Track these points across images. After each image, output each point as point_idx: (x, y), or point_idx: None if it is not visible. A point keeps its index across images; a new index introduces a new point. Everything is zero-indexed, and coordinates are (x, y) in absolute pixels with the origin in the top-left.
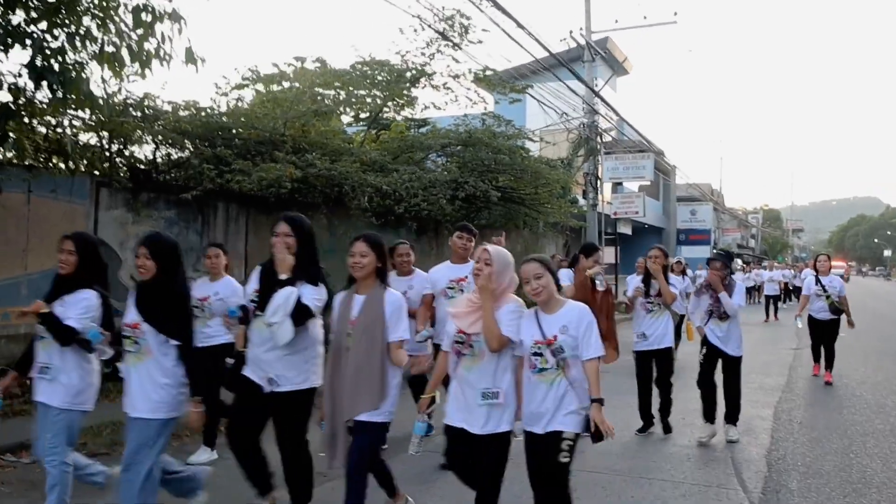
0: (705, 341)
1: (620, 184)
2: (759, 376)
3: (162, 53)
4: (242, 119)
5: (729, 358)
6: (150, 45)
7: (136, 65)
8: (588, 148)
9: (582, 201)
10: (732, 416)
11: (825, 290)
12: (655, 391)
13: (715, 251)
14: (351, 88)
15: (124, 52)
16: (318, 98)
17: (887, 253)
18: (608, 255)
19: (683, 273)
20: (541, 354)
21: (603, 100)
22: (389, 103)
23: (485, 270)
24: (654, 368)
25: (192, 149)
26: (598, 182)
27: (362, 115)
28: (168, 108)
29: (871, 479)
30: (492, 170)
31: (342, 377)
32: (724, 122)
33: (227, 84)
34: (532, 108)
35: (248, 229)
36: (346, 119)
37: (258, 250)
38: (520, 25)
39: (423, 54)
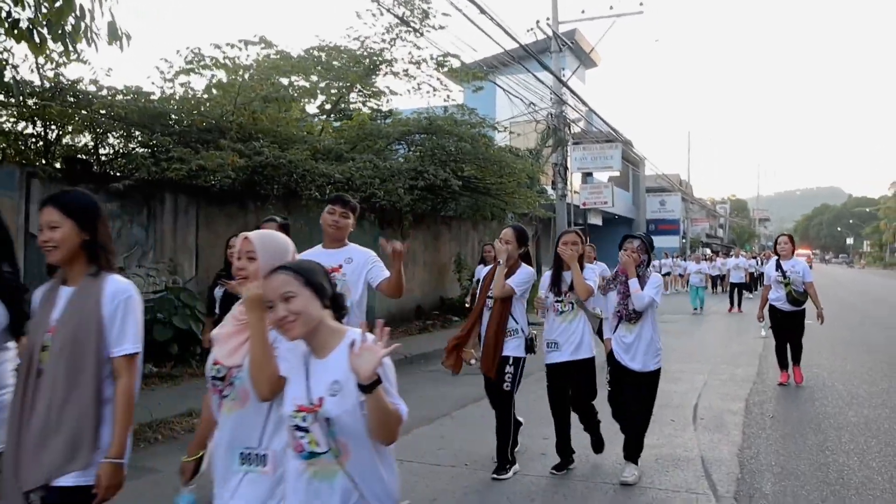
0: (611, 355)
1: (590, 174)
2: (729, 367)
3: (83, 29)
4: (186, 106)
5: (633, 374)
6: (69, 22)
7: (60, 45)
8: (556, 138)
9: (551, 192)
10: (631, 452)
11: (785, 277)
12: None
13: (639, 234)
14: (301, 76)
15: (44, 31)
16: (272, 84)
17: (849, 241)
18: None
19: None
20: (306, 430)
21: (570, 90)
22: (354, 94)
23: (248, 268)
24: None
25: (128, 137)
26: (567, 172)
27: (327, 106)
28: (105, 93)
29: (848, 480)
30: (455, 159)
31: (28, 417)
32: (692, 113)
33: (169, 69)
34: (501, 99)
35: (199, 222)
36: (311, 109)
37: (209, 243)
38: (483, 11)
39: (382, 40)
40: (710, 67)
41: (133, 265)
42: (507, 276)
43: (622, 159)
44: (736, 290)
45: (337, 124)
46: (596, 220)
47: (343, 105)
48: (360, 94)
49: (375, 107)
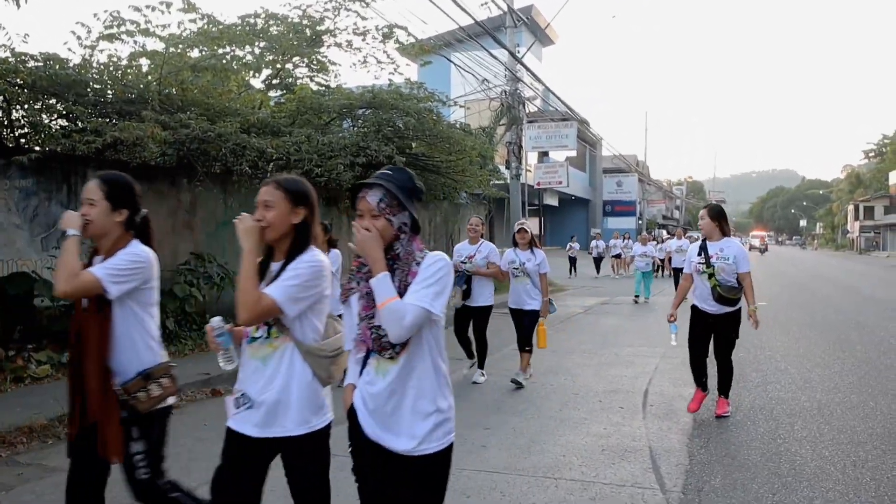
0: None
1: (546, 154)
2: (682, 350)
3: None
4: (106, 74)
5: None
6: None
7: None
8: (510, 116)
9: (505, 171)
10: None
11: (709, 266)
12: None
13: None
14: (238, 46)
15: None
16: (204, 53)
17: (803, 223)
18: (532, 226)
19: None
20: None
21: (525, 66)
22: (302, 68)
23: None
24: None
25: (39, 107)
26: (522, 151)
27: (275, 82)
28: (12, 59)
29: (801, 470)
30: (402, 135)
31: None
32: (649, 94)
33: (87, 34)
34: (456, 77)
35: None
36: (257, 84)
37: None
38: None
39: (325, 9)
40: (668, 49)
41: (50, 246)
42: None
43: (579, 140)
44: (678, 273)
45: (277, 97)
46: (552, 201)
47: (290, 80)
48: (308, 67)
49: (323, 82)
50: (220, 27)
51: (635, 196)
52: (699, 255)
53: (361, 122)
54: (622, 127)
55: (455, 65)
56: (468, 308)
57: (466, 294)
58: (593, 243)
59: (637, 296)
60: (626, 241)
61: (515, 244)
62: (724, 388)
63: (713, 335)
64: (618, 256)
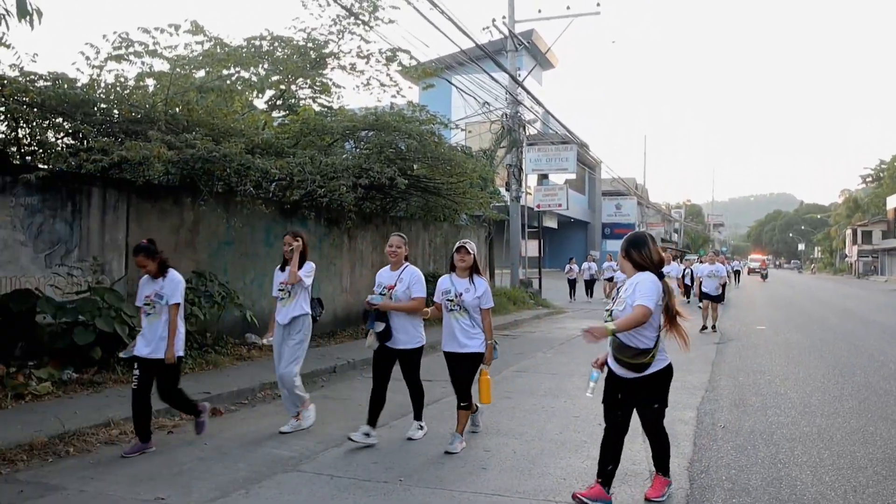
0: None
1: (546, 177)
2: (681, 374)
3: None
4: (112, 94)
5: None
6: None
7: None
8: (511, 139)
9: (505, 194)
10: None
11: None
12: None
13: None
14: (242, 68)
15: None
16: (209, 73)
17: (801, 247)
18: (531, 248)
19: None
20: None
21: (526, 90)
22: (306, 90)
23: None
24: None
25: (46, 126)
26: (521, 174)
27: (279, 103)
28: (21, 78)
29: (802, 495)
30: (404, 157)
31: None
32: (648, 118)
33: (96, 55)
34: (457, 100)
35: (130, 218)
36: (260, 105)
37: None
38: (434, 4)
39: (329, 32)
40: (667, 74)
41: (54, 263)
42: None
43: (578, 163)
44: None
45: (281, 118)
46: (551, 223)
47: (293, 101)
48: (311, 89)
49: (326, 103)
50: (227, 49)
51: (634, 219)
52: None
53: (364, 144)
54: (621, 150)
55: (456, 87)
56: (389, 351)
57: (385, 335)
58: (585, 265)
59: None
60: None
61: (452, 268)
62: (659, 462)
63: (628, 402)
64: (610, 279)
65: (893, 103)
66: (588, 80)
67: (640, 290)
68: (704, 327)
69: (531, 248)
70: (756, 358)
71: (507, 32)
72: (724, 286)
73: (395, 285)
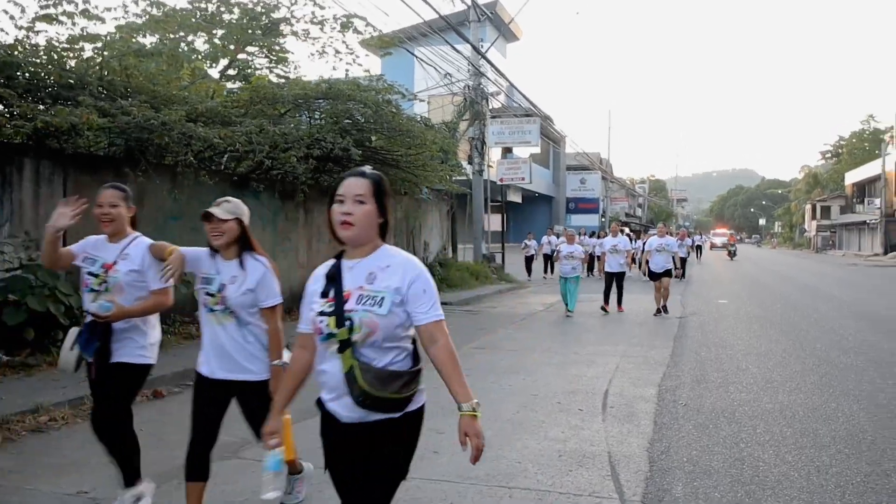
0: None
1: (510, 151)
2: (643, 349)
3: None
4: (38, 56)
5: None
6: None
7: None
8: (473, 111)
9: (467, 167)
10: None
11: (339, 321)
12: None
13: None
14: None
15: None
16: (160, 40)
17: (762, 222)
18: (494, 222)
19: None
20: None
21: (488, 60)
22: (261, 58)
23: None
24: None
25: None
26: (484, 147)
27: (232, 72)
28: None
29: (764, 477)
30: (361, 128)
31: None
32: (612, 94)
33: (21, 13)
34: (420, 72)
35: (66, 191)
36: (216, 75)
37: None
38: None
39: None
40: (630, 49)
41: None
42: None
43: (543, 137)
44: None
45: (237, 89)
46: (515, 198)
47: (249, 71)
48: (268, 59)
49: (283, 74)
50: (166, 9)
51: (598, 193)
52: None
53: (319, 115)
54: (586, 125)
55: (417, 57)
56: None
57: (103, 354)
58: (544, 239)
59: (569, 309)
60: (582, 237)
61: (212, 248)
62: None
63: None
64: (551, 255)
65: (853, 80)
66: (553, 54)
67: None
68: (658, 311)
69: (494, 222)
70: (718, 332)
71: (469, 2)
72: (683, 260)
73: (116, 263)
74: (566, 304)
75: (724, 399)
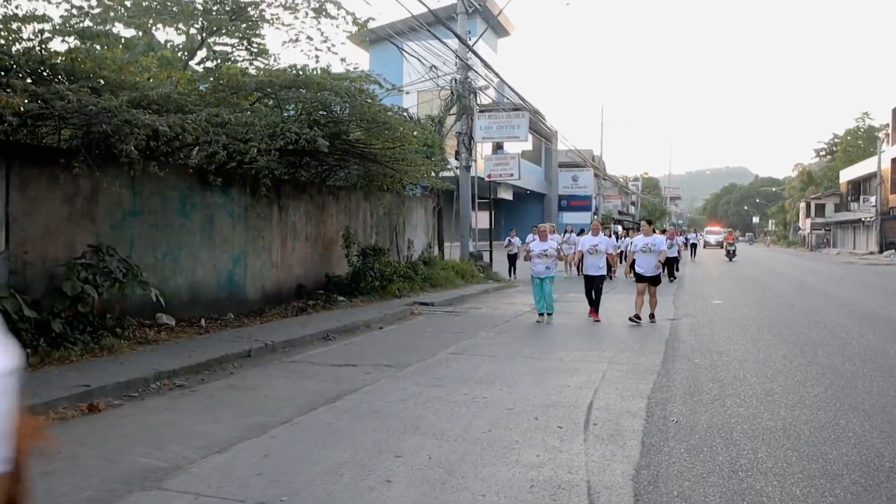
0: None
1: (501, 147)
2: (632, 354)
3: None
4: None
5: None
6: None
7: None
8: (461, 105)
9: (454, 163)
10: None
11: None
12: None
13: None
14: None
15: None
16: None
17: (755, 220)
18: (482, 220)
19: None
20: None
21: (476, 54)
22: (241, 50)
23: None
24: None
25: None
26: (472, 142)
27: (209, 64)
28: None
29: None
30: (337, 120)
31: None
32: (605, 91)
33: None
34: (409, 67)
35: (11, 185)
36: (196, 67)
37: (26, 211)
38: None
39: None
40: (624, 46)
41: None
42: None
43: (534, 133)
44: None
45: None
46: (506, 195)
47: (229, 62)
48: (248, 51)
49: (262, 66)
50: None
51: (591, 191)
52: None
53: (292, 106)
54: (578, 122)
55: (400, 49)
56: None
57: None
58: (529, 237)
59: (541, 314)
60: (569, 234)
61: None
62: None
63: None
64: (515, 256)
65: (846, 79)
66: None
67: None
68: (637, 317)
69: (482, 219)
70: (713, 336)
71: None
72: (670, 263)
73: None
74: (539, 309)
75: (720, 414)
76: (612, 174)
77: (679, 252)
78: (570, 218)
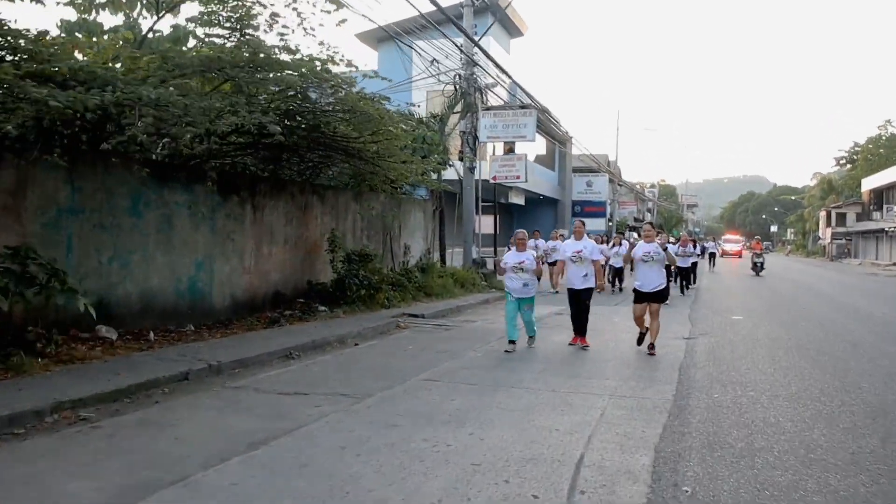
0: None
1: (512, 150)
2: (638, 384)
3: None
4: None
5: None
6: None
7: None
8: (465, 103)
9: (458, 164)
10: None
11: None
12: None
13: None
14: None
15: None
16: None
17: (773, 228)
18: (486, 224)
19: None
20: None
21: (482, 49)
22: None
23: None
24: None
25: None
26: (476, 142)
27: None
28: None
29: None
30: (314, 110)
31: None
32: (622, 96)
33: None
34: (418, 67)
35: None
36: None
37: None
38: None
39: None
40: (641, 52)
41: None
42: None
43: (548, 137)
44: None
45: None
46: (518, 200)
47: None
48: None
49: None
50: None
51: (605, 197)
52: None
53: (255, 90)
54: (594, 127)
55: (398, 41)
56: None
57: None
58: (532, 243)
59: (511, 341)
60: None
61: None
62: None
63: None
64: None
65: (865, 89)
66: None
67: None
68: (641, 337)
69: (486, 224)
70: (734, 361)
71: None
72: (686, 274)
73: None
74: (509, 335)
75: (751, 482)
76: (628, 181)
77: (692, 264)
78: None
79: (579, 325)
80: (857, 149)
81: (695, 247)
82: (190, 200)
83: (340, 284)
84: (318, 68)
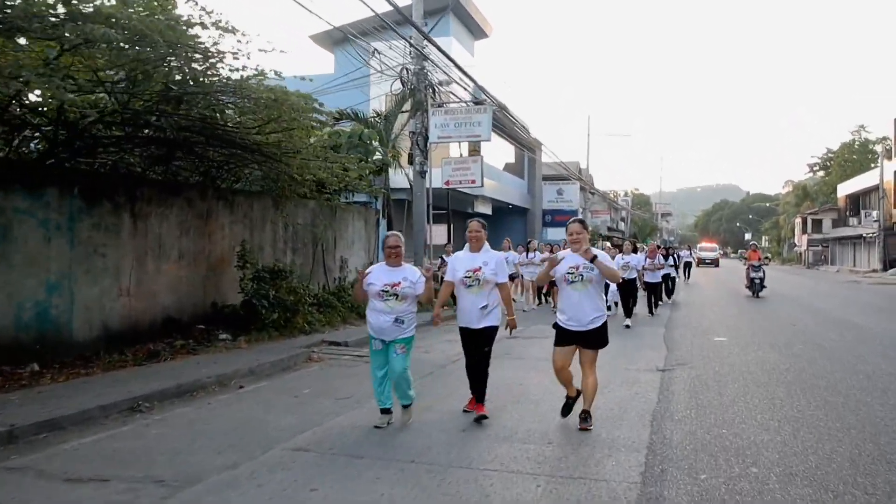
0: None
1: (477, 151)
2: (594, 459)
3: None
4: None
5: None
6: None
7: None
8: (414, 101)
9: (409, 168)
10: None
11: None
12: None
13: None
14: None
15: None
16: None
17: (748, 236)
18: (438, 234)
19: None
20: None
21: (431, 41)
22: None
23: None
24: None
25: None
26: (427, 143)
27: None
28: None
29: None
30: (192, 91)
31: None
32: (592, 103)
33: None
34: (374, 68)
35: None
36: None
37: None
38: None
39: None
40: (611, 60)
41: None
42: None
43: (517, 144)
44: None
45: None
46: (485, 209)
47: None
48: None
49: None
50: None
51: (577, 205)
52: None
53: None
54: (564, 134)
55: (335, 26)
56: None
57: None
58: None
59: (384, 410)
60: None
61: None
62: None
63: None
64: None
65: (836, 97)
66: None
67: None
68: (568, 404)
69: (439, 234)
70: (724, 407)
71: None
72: (654, 290)
73: None
74: (379, 402)
75: None
76: (601, 189)
77: (663, 277)
78: (554, 234)
79: (477, 382)
80: (830, 155)
81: (667, 257)
82: (36, 207)
83: (251, 307)
84: (158, 20)
